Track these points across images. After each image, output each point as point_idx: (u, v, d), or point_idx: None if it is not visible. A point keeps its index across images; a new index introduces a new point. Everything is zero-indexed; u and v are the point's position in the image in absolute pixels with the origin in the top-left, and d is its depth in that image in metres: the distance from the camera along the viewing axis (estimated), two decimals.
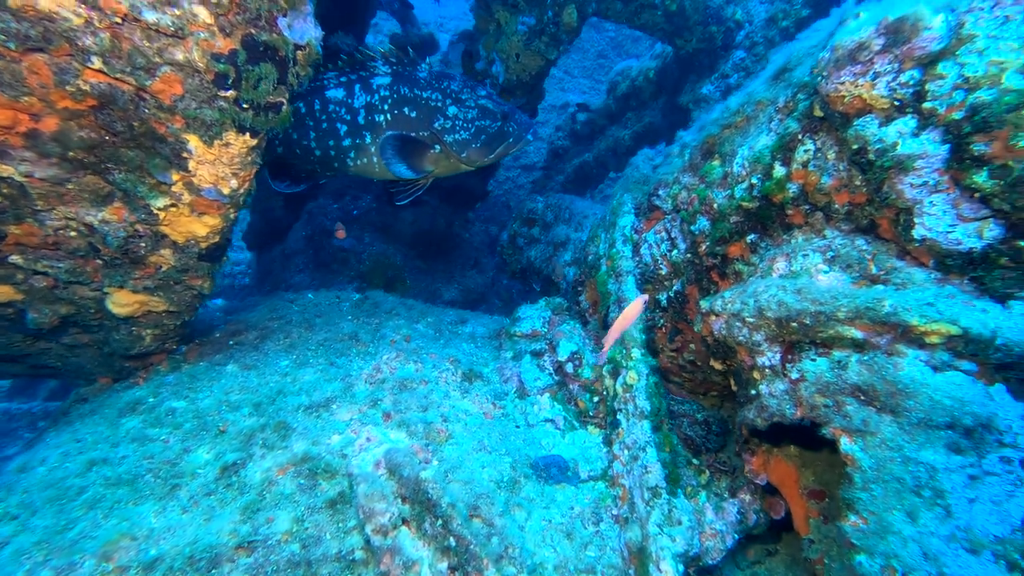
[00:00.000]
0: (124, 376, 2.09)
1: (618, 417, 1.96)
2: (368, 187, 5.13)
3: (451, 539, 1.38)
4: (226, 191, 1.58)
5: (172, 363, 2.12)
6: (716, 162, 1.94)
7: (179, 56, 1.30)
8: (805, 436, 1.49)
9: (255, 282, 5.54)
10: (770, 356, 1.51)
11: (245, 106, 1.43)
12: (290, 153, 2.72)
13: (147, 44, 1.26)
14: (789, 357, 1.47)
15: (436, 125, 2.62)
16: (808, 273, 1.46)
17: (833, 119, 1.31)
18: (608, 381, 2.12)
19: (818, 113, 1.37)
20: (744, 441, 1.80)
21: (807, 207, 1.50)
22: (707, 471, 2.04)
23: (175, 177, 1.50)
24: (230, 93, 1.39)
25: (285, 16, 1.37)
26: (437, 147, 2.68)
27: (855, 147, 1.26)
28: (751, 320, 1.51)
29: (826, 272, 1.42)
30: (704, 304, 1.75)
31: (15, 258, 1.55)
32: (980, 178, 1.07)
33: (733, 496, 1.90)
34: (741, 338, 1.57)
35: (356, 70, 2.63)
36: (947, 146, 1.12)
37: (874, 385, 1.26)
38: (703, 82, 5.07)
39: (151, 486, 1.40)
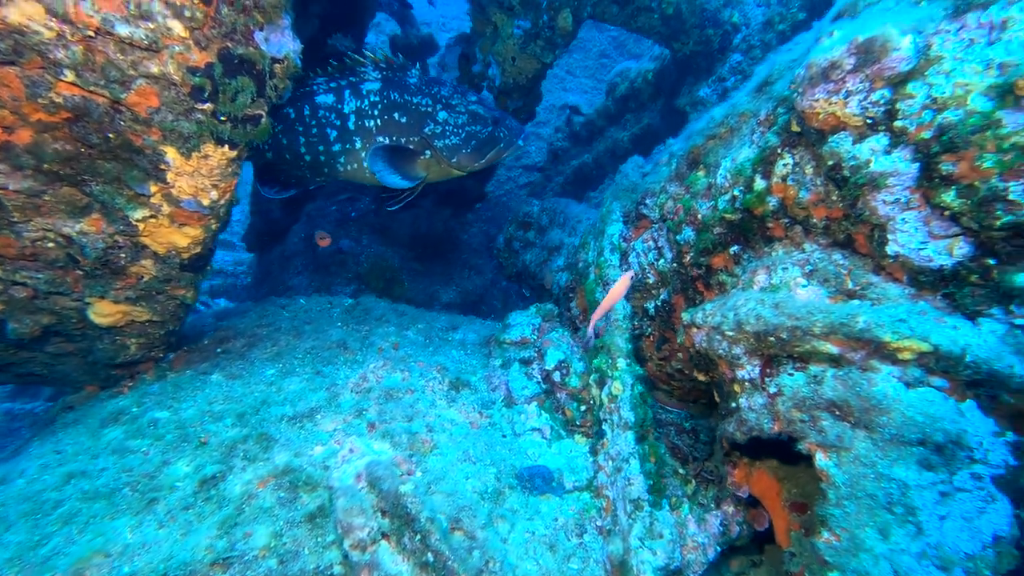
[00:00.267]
0: (111, 383, 2.10)
1: (603, 427, 1.96)
2: (367, 189, 5.13)
3: (429, 555, 1.39)
4: (206, 202, 1.58)
5: (158, 371, 2.13)
6: (701, 172, 1.94)
7: (154, 69, 1.30)
8: (783, 450, 1.49)
9: (254, 284, 5.56)
10: (749, 370, 1.51)
11: (223, 119, 1.43)
12: (280, 158, 2.73)
13: (121, 57, 1.26)
14: (768, 371, 1.47)
15: (426, 130, 2.62)
16: (788, 286, 1.46)
17: (809, 135, 1.31)
18: (595, 391, 2.12)
19: (795, 128, 1.37)
20: (726, 453, 1.80)
21: (787, 220, 1.50)
22: (693, 481, 2.04)
23: (153, 189, 1.50)
24: (207, 106, 1.39)
25: (262, 30, 1.37)
26: (428, 152, 2.68)
27: (830, 163, 1.26)
28: (731, 334, 1.51)
29: (804, 286, 1.42)
30: (686, 316, 1.75)
31: None
32: (949, 197, 1.07)
33: (718, 507, 1.90)
34: (721, 351, 1.57)
35: (346, 75, 2.63)
36: (918, 164, 1.11)
37: (848, 401, 1.26)
38: (700, 85, 5.06)
39: (128, 500, 1.40)
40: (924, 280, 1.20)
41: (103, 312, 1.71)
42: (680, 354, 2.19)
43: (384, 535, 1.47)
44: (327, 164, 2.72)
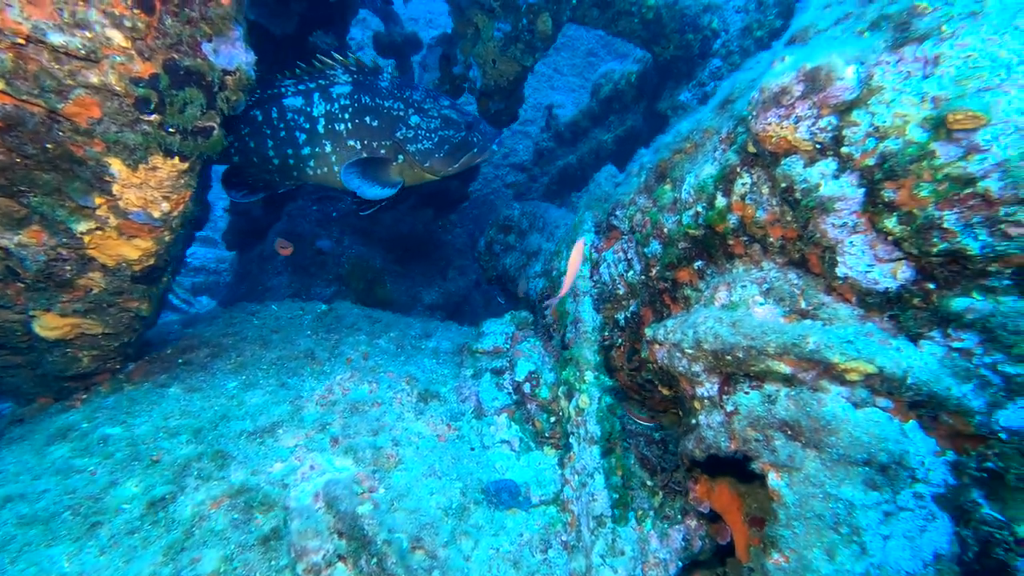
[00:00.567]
0: (65, 396, 2.03)
1: (571, 440, 1.96)
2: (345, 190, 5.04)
3: None
4: (157, 214, 1.54)
5: (114, 384, 2.07)
6: (668, 186, 1.95)
7: (94, 79, 1.25)
8: (740, 468, 1.50)
9: (235, 282, 5.44)
10: (708, 387, 1.52)
11: (172, 130, 1.39)
12: (247, 161, 2.66)
13: (56, 66, 1.21)
14: (726, 389, 1.48)
15: (398, 135, 2.58)
16: (746, 304, 1.47)
17: (764, 156, 1.32)
18: (563, 402, 2.12)
19: (752, 149, 1.37)
20: (687, 469, 1.81)
21: (746, 238, 1.51)
22: (661, 492, 2.05)
23: (98, 201, 1.45)
24: (154, 117, 1.35)
25: (210, 41, 1.33)
26: (400, 157, 2.64)
27: (783, 185, 1.26)
28: (690, 351, 1.52)
29: (762, 304, 1.43)
30: (648, 332, 1.76)
31: None
32: (891, 223, 1.08)
33: (682, 520, 1.91)
34: (681, 368, 1.58)
35: (315, 78, 2.58)
36: (863, 190, 1.13)
37: (800, 420, 1.27)
38: (681, 89, 5.09)
39: (68, 525, 1.35)
40: (871, 302, 1.22)
41: (49, 325, 1.66)
42: (650, 365, 2.20)
43: (340, 557, 1.44)
44: (296, 168, 2.66)
